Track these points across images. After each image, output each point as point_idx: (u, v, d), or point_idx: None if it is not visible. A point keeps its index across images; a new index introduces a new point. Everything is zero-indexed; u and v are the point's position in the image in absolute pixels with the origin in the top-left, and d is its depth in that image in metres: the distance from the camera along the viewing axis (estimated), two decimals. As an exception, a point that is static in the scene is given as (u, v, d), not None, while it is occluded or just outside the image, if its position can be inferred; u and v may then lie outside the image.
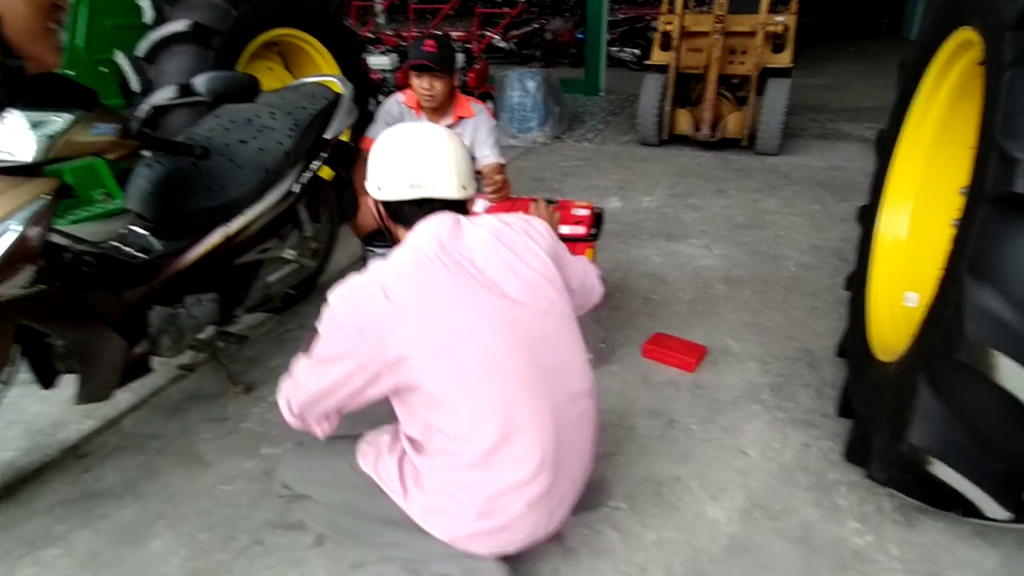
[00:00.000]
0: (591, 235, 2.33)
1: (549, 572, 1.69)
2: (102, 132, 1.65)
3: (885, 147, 2.31)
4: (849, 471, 1.98)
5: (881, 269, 2.23)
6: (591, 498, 1.76)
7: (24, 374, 1.91)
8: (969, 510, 1.56)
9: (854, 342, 2.19)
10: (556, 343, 1.43)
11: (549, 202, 2.40)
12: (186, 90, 1.91)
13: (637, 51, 10.28)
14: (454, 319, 1.32)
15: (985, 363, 1.24)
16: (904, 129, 2.21)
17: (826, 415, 2.25)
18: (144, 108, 1.84)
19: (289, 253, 2.62)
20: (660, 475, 2.00)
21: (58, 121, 1.56)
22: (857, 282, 2.33)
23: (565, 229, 2.29)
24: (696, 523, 1.83)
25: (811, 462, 2.05)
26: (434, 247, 1.37)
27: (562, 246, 1.57)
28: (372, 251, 2.67)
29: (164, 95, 1.90)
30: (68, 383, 1.95)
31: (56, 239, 1.75)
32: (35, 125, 1.54)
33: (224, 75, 1.84)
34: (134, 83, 3.01)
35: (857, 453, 1.94)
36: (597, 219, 2.44)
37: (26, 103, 1.54)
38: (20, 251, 1.53)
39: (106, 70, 3.20)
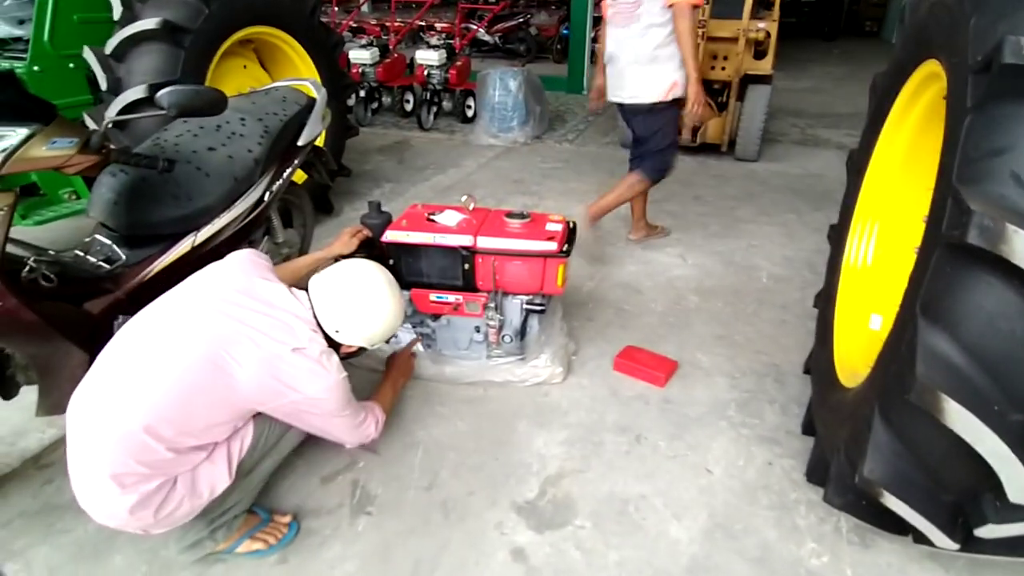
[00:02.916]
0: (563, 251, 2.29)
1: (511, 593, 1.70)
2: (60, 146, 1.61)
3: (855, 168, 2.32)
4: (810, 491, 2.02)
5: (848, 291, 2.24)
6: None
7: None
8: (920, 536, 1.59)
9: (819, 362, 2.21)
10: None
11: (522, 216, 2.39)
12: (156, 90, 1.87)
13: (622, 48, 10.24)
14: None
15: (935, 406, 1.25)
16: (874, 152, 2.22)
17: (790, 432, 2.28)
18: (104, 124, 1.80)
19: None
20: (626, 493, 2.02)
21: (12, 136, 1.53)
22: (825, 301, 2.34)
23: (537, 245, 2.28)
24: (658, 542, 1.86)
25: (773, 481, 2.08)
26: None
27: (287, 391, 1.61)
28: None
29: (134, 94, 1.86)
30: (31, 391, 1.91)
31: (14, 250, 1.71)
32: (-12, 139, 1.50)
33: (189, 90, 1.80)
34: (102, 81, 2.93)
35: (817, 473, 1.97)
36: (570, 233, 2.43)
37: None
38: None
39: (73, 66, 3.13)
